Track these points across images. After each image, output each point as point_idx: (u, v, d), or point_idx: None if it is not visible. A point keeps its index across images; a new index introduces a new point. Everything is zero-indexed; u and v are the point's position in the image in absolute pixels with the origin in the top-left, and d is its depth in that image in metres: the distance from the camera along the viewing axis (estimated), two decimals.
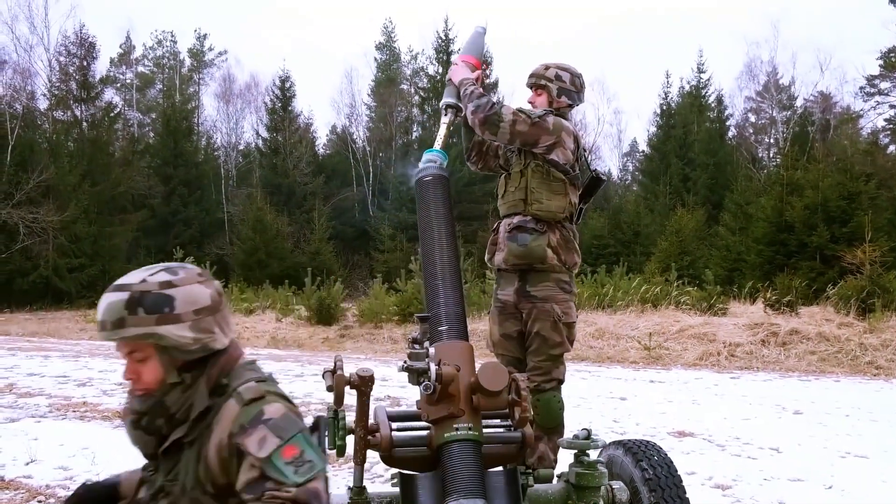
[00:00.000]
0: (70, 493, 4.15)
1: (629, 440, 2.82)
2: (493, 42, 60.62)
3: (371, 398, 2.36)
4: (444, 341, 2.53)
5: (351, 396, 2.38)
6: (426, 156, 3.16)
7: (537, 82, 3.61)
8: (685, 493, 2.58)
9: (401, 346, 12.86)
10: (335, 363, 2.35)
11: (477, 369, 2.34)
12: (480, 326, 11.68)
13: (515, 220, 3.50)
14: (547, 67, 3.61)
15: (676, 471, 2.65)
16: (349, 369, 2.30)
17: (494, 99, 3.46)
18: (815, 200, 18.61)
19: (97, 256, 33.19)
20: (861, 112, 38.33)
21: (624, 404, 7.39)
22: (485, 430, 2.43)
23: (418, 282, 14.94)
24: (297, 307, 17.35)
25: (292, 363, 11.12)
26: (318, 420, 1.82)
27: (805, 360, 10.54)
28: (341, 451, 2.40)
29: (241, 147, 44.27)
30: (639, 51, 66.04)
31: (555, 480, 2.68)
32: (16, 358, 11.79)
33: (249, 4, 70.01)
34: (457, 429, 2.31)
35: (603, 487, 2.52)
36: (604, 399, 7.68)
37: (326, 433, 2.25)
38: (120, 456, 5.03)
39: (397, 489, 2.43)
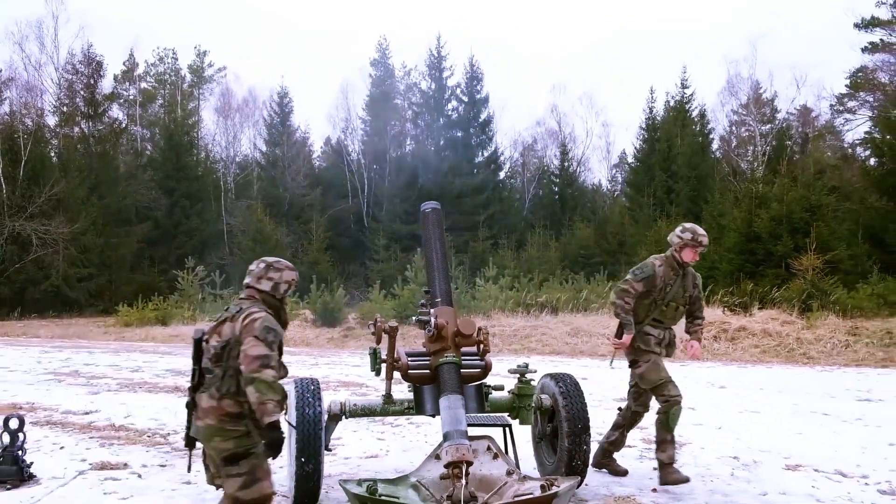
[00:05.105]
0: (169, 433, 5.71)
1: (555, 372, 4.49)
2: (484, 59, 62.37)
3: (396, 341, 4.00)
4: (439, 306, 4.18)
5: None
6: None
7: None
8: (584, 400, 4.23)
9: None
10: (376, 318, 4.00)
11: (458, 322, 3.99)
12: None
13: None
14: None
15: (581, 389, 4.32)
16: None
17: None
18: (781, 213, 20.17)
19: (104, 267, 34.58)
20: (838, 127, 40.13)
21: (582, 383, 9.00)
22: (463, 360, 4.08)
23: (414, 287, 16.60)
24: (302, 311, 18.95)
25: (306, 356, 12.73)
26: None
27: (749, 353, 12.24)
28: (378, 372, 4.06)
29: (239, 159, 45.70)
30: (627, 68, 67.97)
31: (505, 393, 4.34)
32: (64, 353, 13.38)
33: (248, 21, 71.76)
34: (446, 356, 3.95)
35: (535, 396, 4.17)
36: None
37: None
38: None
39: (412, 395, 4.08)
